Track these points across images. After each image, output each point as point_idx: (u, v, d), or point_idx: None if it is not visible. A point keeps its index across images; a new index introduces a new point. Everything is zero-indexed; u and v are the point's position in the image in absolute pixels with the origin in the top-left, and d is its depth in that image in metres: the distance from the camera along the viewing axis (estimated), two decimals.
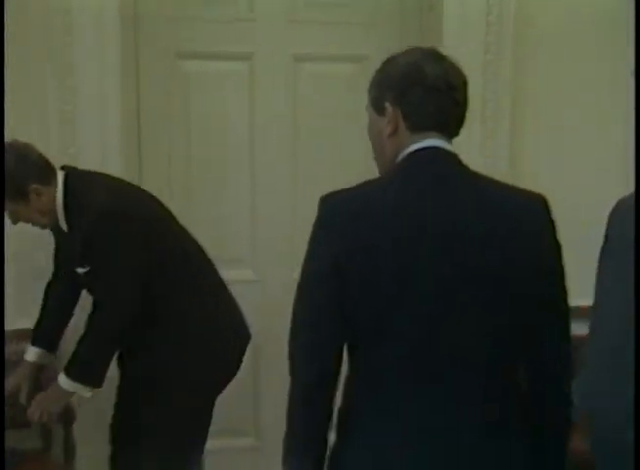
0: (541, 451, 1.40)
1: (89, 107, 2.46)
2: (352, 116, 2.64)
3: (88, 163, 2.34)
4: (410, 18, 2.83)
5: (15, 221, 2.24)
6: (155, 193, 2.25)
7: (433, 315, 1.29)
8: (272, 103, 2.78)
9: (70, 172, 2.23)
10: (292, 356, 1.34)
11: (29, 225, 2.21)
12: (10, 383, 2.30)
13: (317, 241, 1.31)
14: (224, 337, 2.25)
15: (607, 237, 1.72)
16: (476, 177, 1.37)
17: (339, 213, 1.30)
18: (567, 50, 2.76)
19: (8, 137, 2.18)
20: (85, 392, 2.16)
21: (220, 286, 2.30)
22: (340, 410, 1.37)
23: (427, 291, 1.28)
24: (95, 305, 2.15)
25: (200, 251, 2.28)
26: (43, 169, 2.19)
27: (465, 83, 1.39)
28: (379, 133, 1.40)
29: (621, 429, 1.55)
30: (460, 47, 2.50)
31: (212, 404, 2.27)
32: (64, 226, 2.19)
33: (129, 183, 2.28)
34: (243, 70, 2.75)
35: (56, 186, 2.18)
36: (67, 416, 2.34)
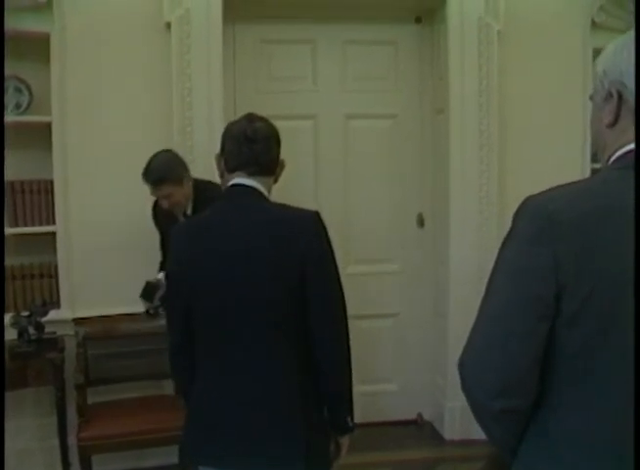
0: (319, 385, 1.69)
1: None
2: (387, 157, 3.66)
3: None
4: (426, 86, 3.77)
5: (166, 204, 2.72)
6: None
7: (227, 298, 1.63)
8: (330, 149, 3.72)
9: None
10: None
11: None
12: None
13: None
14: None
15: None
16: (264, 203, 1.71)
17: None
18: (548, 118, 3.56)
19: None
20: None
21: None
22: None
23: (225, 282, 1.63)
24: None
25: None
26: (186, 165, 2.80)
27: (267, 137, 1.71)
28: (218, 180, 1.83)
29: None
30: (461, 108, 3.49)
31: None
32: (189, 210, 2.72)
33: None
34: (309, 126, 3.71)
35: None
36: None
